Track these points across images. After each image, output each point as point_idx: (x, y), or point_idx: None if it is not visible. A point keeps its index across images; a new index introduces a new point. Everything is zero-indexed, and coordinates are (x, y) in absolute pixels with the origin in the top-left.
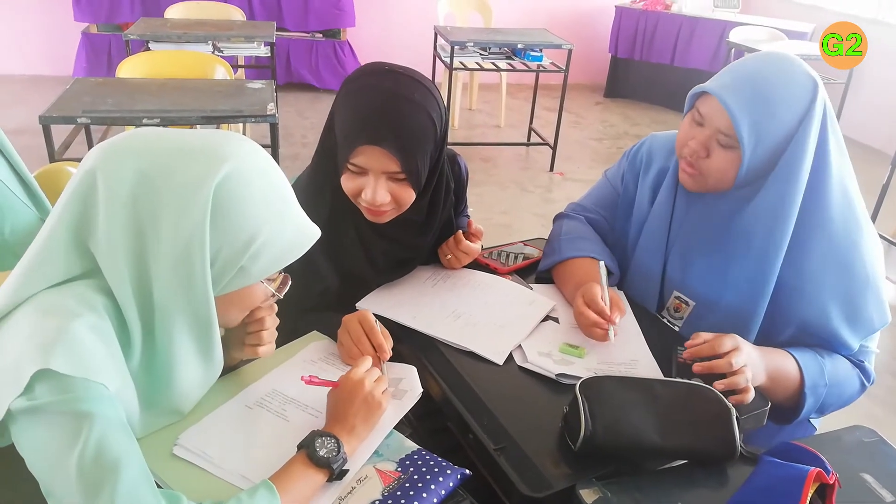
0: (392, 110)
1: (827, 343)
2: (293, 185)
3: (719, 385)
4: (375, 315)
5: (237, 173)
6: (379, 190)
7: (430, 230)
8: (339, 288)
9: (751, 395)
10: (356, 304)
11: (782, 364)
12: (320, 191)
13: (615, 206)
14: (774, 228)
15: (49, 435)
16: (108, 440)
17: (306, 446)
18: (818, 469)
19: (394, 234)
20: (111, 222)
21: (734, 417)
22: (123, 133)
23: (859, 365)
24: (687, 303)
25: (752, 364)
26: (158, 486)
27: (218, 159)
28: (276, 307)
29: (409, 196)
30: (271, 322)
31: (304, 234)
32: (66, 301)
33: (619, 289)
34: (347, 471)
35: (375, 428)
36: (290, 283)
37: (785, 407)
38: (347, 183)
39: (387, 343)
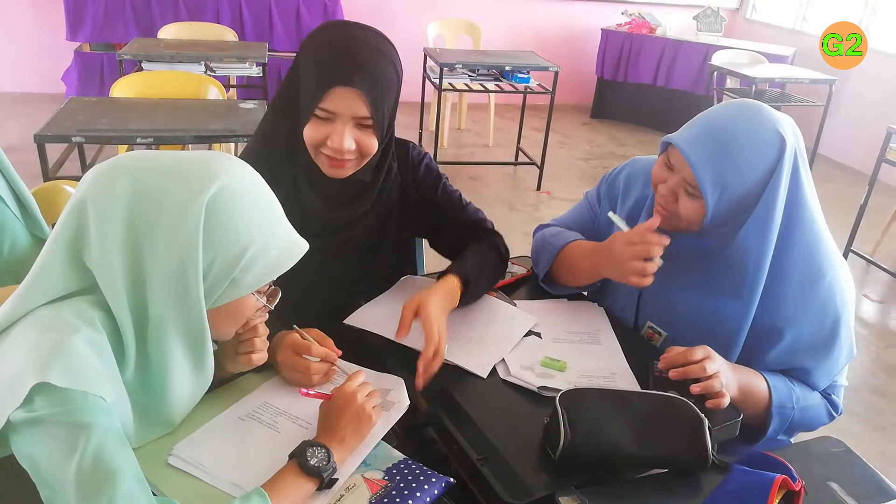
0: (363, 54)
1: (799, 381)
2: (243, 156)
3: (696, 388)
4: (362, 329)
5: (228, 189)
6: (346, 135)
7: (371, 195)
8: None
9: (726, 400)
10: (344, 321)
11: (752, 381)
12: (280, 157)
13: (592, 229)
14: (753, 270)
15: (48, 445)
16: (106, 450)
17: (297, 455)
18: (784, 476)
19: (336, 192)
20: (107, 239)
21: (706, 428)
22: (115, 156)
23: (828, 397)
24: (659, 333)
25: (725, 374)
26: (154, 495)
27: (209, 176)
28: (266, 317)
29: (372, 145)
30: (263, 329)
31: (292, 245)
32: (63, 316)
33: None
34: (337, 479)
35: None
36: (280, 294)
37: (752, 425)
38: (312, 131)
39: (326, 342)
